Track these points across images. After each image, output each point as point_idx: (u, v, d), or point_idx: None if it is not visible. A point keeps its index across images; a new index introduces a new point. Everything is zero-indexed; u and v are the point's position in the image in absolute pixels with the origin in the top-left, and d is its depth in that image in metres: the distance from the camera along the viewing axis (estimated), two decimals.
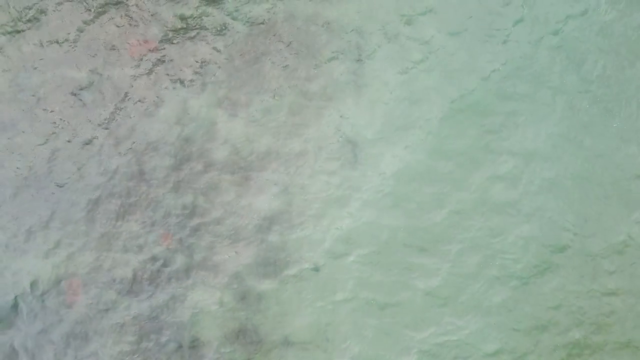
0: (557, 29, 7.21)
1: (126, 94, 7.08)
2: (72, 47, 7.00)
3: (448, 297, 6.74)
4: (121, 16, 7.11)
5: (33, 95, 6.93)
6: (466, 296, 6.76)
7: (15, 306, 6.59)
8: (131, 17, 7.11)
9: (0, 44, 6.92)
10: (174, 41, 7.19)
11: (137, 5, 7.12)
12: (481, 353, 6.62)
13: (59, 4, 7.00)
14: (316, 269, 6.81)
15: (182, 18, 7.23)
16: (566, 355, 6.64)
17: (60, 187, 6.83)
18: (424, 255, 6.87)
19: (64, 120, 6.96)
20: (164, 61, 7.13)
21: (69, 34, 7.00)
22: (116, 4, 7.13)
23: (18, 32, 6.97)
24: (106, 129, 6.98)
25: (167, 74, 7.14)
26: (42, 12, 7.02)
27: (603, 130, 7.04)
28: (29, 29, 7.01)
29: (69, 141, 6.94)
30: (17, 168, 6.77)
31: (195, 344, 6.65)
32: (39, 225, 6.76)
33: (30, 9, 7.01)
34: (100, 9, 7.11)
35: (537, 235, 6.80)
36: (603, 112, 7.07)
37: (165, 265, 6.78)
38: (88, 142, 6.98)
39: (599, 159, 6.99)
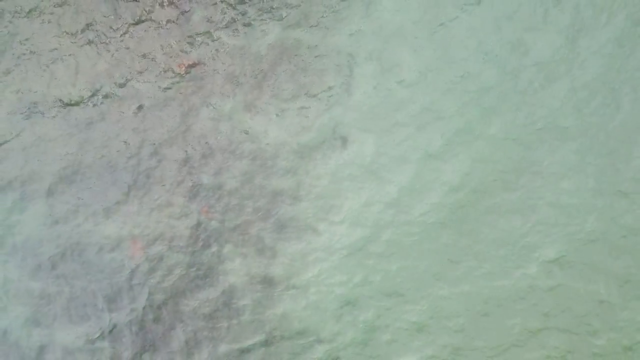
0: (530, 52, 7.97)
1: (174, 100, 8.34)
2: (136, 62, 8.47)
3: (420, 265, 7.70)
4: (170, 42, 8.50)
5: (102, 103, 8.36)
6: (435, 267, 7.58)
7: (94, 259, 8.02)
8: (177, 43, 8.47)
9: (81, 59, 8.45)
10: (211, 59, 8.42)
11: (181, 32, 8.50)
12: None
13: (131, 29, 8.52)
14: (316, 230, 7.92)
15: (218, 41, 8.44)
16: None
17: (127, 171, 8.17)
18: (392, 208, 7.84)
19: (130, 115, 8.29)
20: (203, 75, 8.38)
21: (135, 55, 8.50)
22: (166, 33, 8.51)
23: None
24: (159, 127, 8.28)
25: (205, 84, 8.35)
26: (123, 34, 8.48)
27: None
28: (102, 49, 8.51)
29: (128, 134, 8.25)
30: (98, 157, 8.25)
31: (226, 287, 7.89)
32: (112, 201, 8.19)
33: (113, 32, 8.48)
34: (163, 39, 8.52)
35: None
36: None
37: (204, 230, 8.07)
38: (145, 138, 8.27)
39: None
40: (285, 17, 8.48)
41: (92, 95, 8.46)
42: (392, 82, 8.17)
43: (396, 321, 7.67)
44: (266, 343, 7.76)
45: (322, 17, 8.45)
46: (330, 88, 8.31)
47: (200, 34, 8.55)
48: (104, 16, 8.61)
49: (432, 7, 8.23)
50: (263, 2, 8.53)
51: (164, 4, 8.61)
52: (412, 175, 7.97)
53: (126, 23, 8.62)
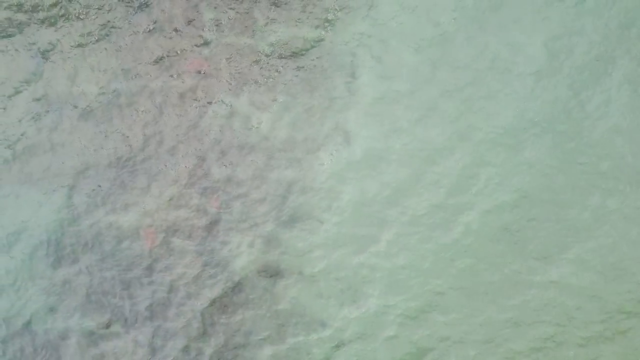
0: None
1: (186, 98, 8.60)
2: (150, 64, 8.70)
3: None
4: (181, 44, 8.74)
5: (118, 102, 8.53)
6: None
7: (112, 250, 8.25)
8: (188, 44, 8.73)
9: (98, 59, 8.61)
10: (221, 59, 8.67)
11: (192, 34, 8.73)
12: None
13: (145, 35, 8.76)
14: (321, 222, 8.19)
15: (226, 42, 8.68)
16: None
17: (143, 166, 8.41)
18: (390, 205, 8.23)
19: (145, 113, 8.53)
20: (213, 74, 8.65)
21: (154, 56, 8.76)
22: (180, 37, 8.74)
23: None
24: (173, 123, 8.50)
25: (215, 83, 8.60)
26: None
27: None
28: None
29: (144, 131, 8.47)
30: (114, 153, 8.48)
31: (234, 276, 8.13)
32: (128, 195, 8.38)
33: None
34: (174, 41, 8.77)
35: None
36: None
37: (214, 221, 8.31)
38: (159, 135, 8.47)
39: None
40: (291, 18, 8.73)
41: (109, 95, 8.66)
42: (395, 83, 8.45)
43: (397, 314, 8.02)
44: (275, 332, 8.01)
45: (327, 18, 8.69)
46: (334, 87, 8.54)
47: (210, 35, 8.78)
48: (119, 22, 8.82)
49: (434, 11, 8.51)
50: (269, 3, 8.76)
51: (175, 8, 8.82)
52: (409, 172, 8.37)
53: (140, 27, 8.84)
